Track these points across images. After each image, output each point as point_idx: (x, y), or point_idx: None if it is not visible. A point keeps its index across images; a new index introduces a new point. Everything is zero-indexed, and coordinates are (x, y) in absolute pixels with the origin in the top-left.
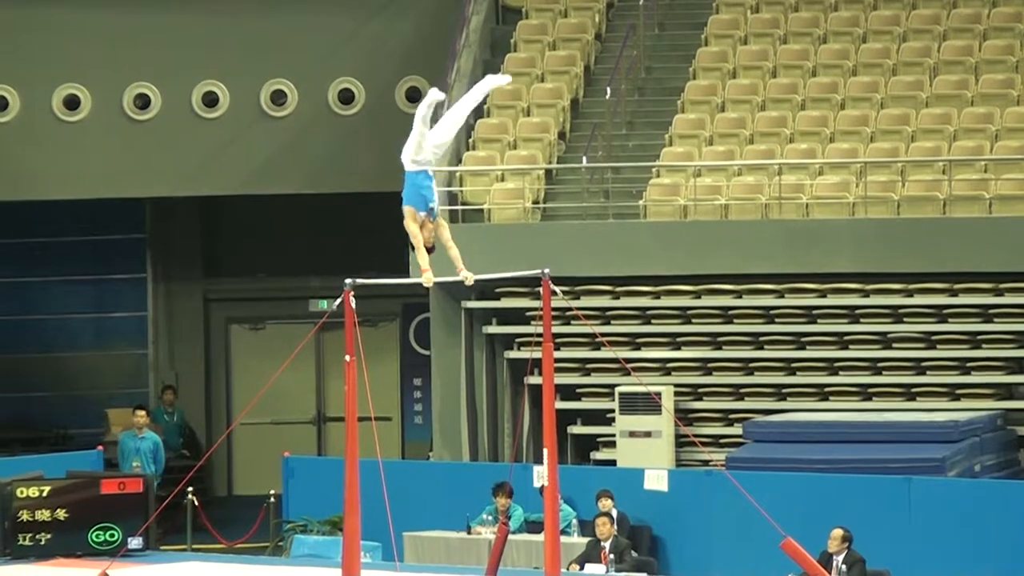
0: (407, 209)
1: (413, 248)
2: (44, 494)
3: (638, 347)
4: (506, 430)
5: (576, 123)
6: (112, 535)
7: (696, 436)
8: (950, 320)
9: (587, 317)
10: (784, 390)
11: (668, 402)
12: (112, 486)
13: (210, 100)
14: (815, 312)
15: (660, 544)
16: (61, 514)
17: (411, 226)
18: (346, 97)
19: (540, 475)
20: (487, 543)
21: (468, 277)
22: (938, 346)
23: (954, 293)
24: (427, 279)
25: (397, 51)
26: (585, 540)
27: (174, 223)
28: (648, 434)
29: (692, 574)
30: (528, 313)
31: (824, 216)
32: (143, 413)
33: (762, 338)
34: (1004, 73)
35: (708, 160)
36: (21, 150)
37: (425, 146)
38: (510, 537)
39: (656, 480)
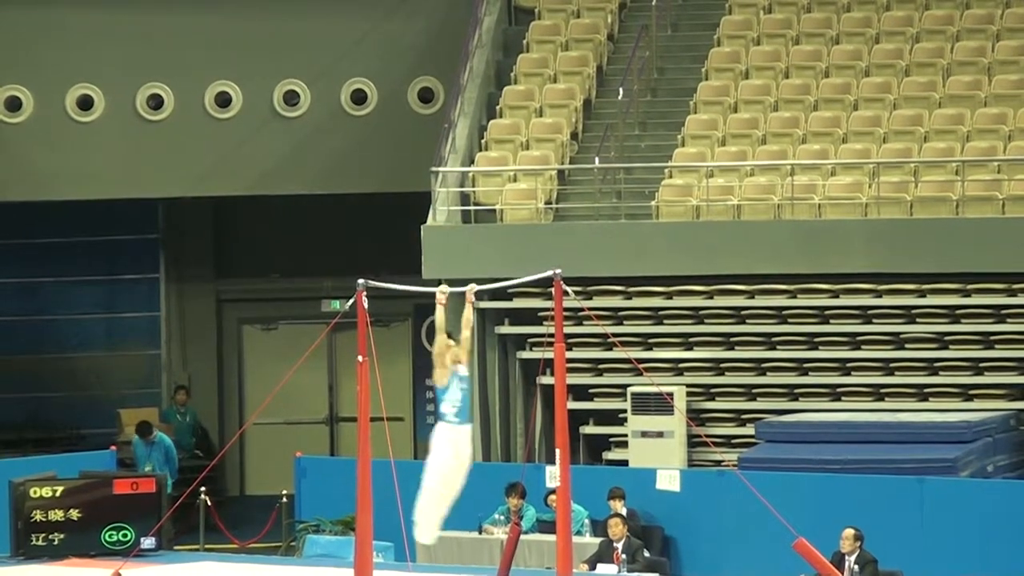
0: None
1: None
2: (57, 494)
3: (650, 347)
4: (518, 430)
5: (588, 124)
6: (125, 535)
7: (708, 436)
8: (963, 321)
9: (599, 317)
10: (796, 390)
11: (680, 402)
12: (125, 486)
13: (223, 101)
14: (827, 312)
15: (672, 544)
16: (74, 514)
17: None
18: (359, 98)
19: (552, 475)
20: (499, 543)
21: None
22: (951, 346)
23: (967, 294)
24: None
25: (410, 52)
26: (597, 540)
27: (187, 223)
28: (660, 434)
29: (704, 574)
30: (540, 313)
31: (837, 217)
32: (137, 436)
33: (774, 338)
34: (1017, 74)
35: (720, 161)
36: (34, 150)
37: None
38: (522, 537)
39: (668, 480)
